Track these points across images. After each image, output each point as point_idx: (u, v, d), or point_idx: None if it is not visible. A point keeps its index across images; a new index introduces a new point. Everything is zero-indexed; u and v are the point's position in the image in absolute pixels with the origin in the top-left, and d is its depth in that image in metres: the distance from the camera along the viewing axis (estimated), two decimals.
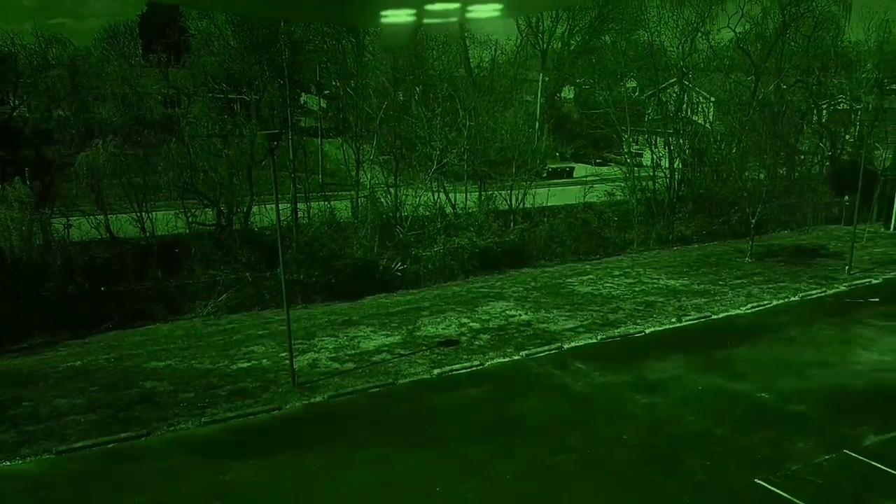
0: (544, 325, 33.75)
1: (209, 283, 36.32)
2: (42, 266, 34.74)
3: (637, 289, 39.93)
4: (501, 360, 29.80)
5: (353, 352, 30.51)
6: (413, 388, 27.21)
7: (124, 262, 36.68)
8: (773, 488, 19.60)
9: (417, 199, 45.44)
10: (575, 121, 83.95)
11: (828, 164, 61.96)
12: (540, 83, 79.54)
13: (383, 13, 5.24)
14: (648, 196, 53.34)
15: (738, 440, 22.56)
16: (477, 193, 48.32)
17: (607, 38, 76.78)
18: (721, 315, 35.64)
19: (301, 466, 21.31)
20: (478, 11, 5.29)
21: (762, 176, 49.20)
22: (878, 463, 20.88)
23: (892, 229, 55.03)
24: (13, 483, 20.64)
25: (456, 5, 5.07)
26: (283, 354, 28.53)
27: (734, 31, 58.80)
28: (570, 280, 41.90)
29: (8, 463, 21.47)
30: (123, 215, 38.24)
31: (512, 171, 48.05)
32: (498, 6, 5.26)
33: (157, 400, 25.75)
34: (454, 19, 5.37)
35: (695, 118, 59.73)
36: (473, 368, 28.97)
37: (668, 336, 32.84)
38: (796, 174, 59.35)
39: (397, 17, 5.28)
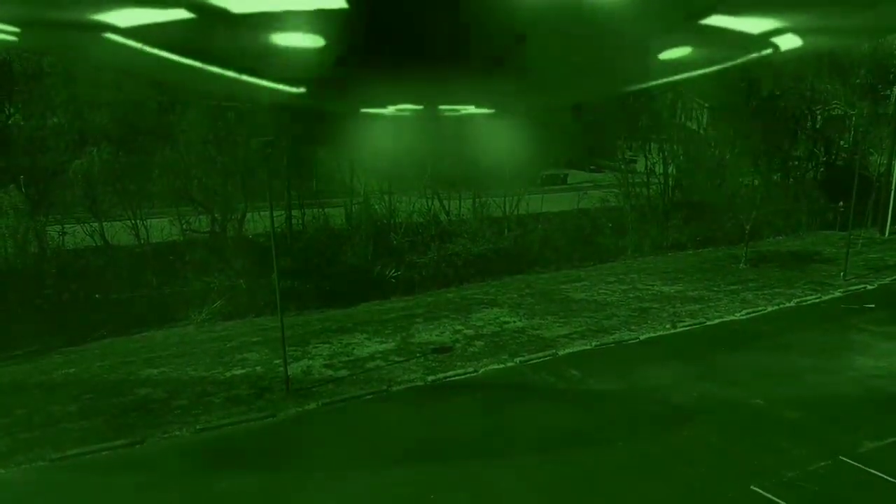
0: (538, 332, 33.73)
1: (203, 290, 36.25)
2: (37, 273, 34.66)
3: (631, 295, 39.92)
4: (496, 366, 29.76)
5: (347, 359, 30.47)
6: (407, 395, 27.16)
7: (119, 270, 36.60)
8: (768, 495, 19.61)
9: (411, 206, 45.42)
10: (570, 127, 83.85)
11: (822, 169, 62.08)
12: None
13: (366, 108, 5.27)
14: (643, 202, 53.40)
15: (733, 447, 22.56)
16: (471, 200, 48.28)
17: None
18: (716, 321, 35.64)
19: (295, 476, 21.26)
20: (466, 110, 5.34)
21: (757, 182, 49.25)
22: (873, 469, 20.90)
23: (886, 235, 55.13)
24: (7, 490, 20.56)
25: (446, 105, 5.14)
26: (278, 361, 28.46)
27: None
28: (564, 286, 41.90)
29: (2, 470, 21.39)
30: (118, 222, 38.18)
31: (506, 178, 47.96)
32: (485, 109, 5.34)
33: (151, 407, 25.69)
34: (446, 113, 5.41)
35: (688, 124, 59.77)
36: (468, 375, 28.94)
37: (662, 342, 32.83)
38: (791, 180, 59.46)
39: (382, 110, 5.31)
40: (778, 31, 3.65)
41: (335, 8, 2.92)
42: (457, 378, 28.67)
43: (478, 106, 5.35)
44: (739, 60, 4.22)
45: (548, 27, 3.26)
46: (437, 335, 33.38)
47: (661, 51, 3.82)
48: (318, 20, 3.11)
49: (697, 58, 4.12)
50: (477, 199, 48.18)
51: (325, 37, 3.31)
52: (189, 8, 2.98)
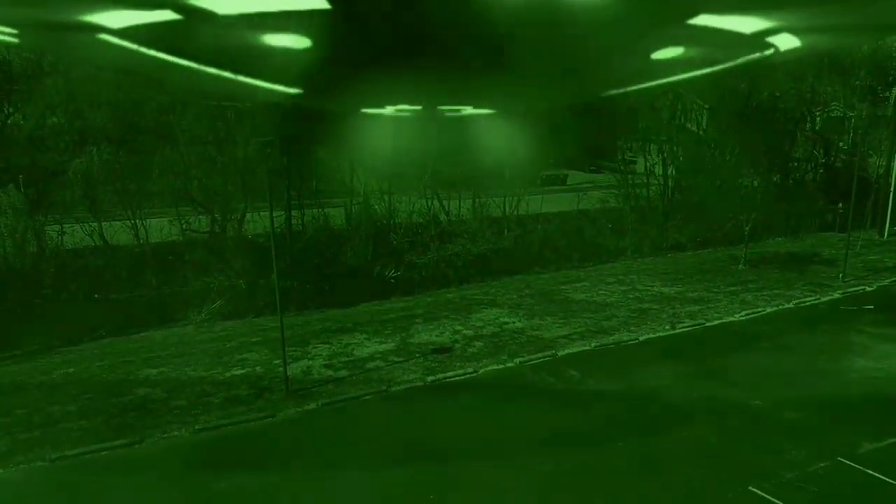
0: (538, 333, 33.74)
1: (203, 290, 36.23)
2: (36, 273, 34.64)
3: (631, 296, 39.92)
4: (495, 367, 29.76)
5: (346, 359, 30.46)
6: (407, 395, 27.16)
7: (118, 270, 36.58)
8: (767, 496, 19.62)
9: (411, 206, 45.43)
10: (570, 128, 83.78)
11: (822, 171, 62.10)
12: None
13: (366, 108, 5.28)
14: (642, 203, 53.39)
15: (732, 447, 22.57)
16: (471, 200, 48.28)
17: None
18: (715, 322, 35.65)
19: (294, 476, 21.26)
20: (466, 110, 5.37)
21: (756, 183, 49.24)
22: (872, 471, 20.92)
23: (885, 237, 55.14)
24: (6, 491, 20.55)
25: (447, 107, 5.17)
26: (277, 362, 28.45)
27: None
28: (564, 287, 41.89)
29: (1, 470, 21.38)
30: (117, 222, 38.17)
31: (505, 178, 48.00)
32: (485, 109, 5.38)
33: (150, 407, 25.67)
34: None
35: (688, 125, 59.76)
36: (467, 376, 28.94)
37: (662, 343, 32.84)
38: (790, 181, 59.47)
39: (382, 110, 5.33)
40: (776, 31, 3.65)
41: (331, 8, 2.94)
42: (456, 378, 28.68)
43: (477, 106, 5.37)
44: (739, 62, 4.20)
45: (542, 26, 3.26)
46: (436, 335, 33.38)
47: (656, 51, 3.82)
48: (315, 20, 3.12)
49: (696, 59, 4.12)
50: (477, 200, 48.17)
51: (324, 37, 3.32)
52: (176, 9, 2.98)
